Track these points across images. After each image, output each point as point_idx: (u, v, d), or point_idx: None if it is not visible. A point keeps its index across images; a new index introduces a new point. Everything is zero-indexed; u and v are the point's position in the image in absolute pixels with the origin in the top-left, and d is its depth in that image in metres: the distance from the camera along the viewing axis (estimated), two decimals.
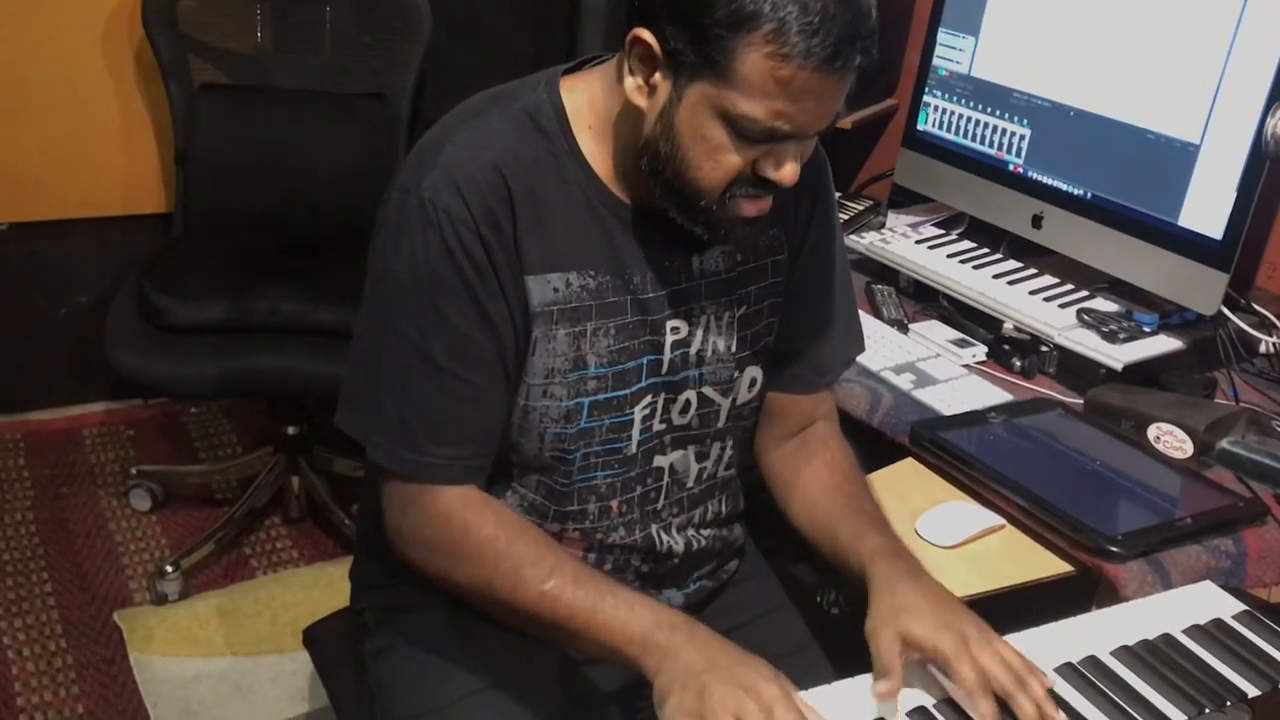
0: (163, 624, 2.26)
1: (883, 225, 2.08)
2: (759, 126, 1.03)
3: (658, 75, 1.06)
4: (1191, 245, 1.65)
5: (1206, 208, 1.63)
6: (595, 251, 1.15)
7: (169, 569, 2.32)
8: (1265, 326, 1.78)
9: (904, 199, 2.17)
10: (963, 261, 1.91)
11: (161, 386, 2.45)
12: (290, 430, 2.52)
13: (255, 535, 2.55)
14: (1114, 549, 1.30)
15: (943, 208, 2.09)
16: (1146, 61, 1.70)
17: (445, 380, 1.12)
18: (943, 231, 2.04)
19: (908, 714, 1.05)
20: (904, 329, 1.82)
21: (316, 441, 2.57)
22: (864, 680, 1.08)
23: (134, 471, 2.63)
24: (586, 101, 1.15)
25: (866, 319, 1.61)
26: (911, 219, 2.09)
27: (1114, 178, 1.75)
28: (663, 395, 1.22)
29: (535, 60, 2.50)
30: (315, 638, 1.48)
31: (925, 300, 1.91)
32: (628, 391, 1.19)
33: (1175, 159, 1.67)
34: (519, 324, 1.13)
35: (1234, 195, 1.60)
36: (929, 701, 1.06)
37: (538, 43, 2.81)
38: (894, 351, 1.73)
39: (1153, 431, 1.51)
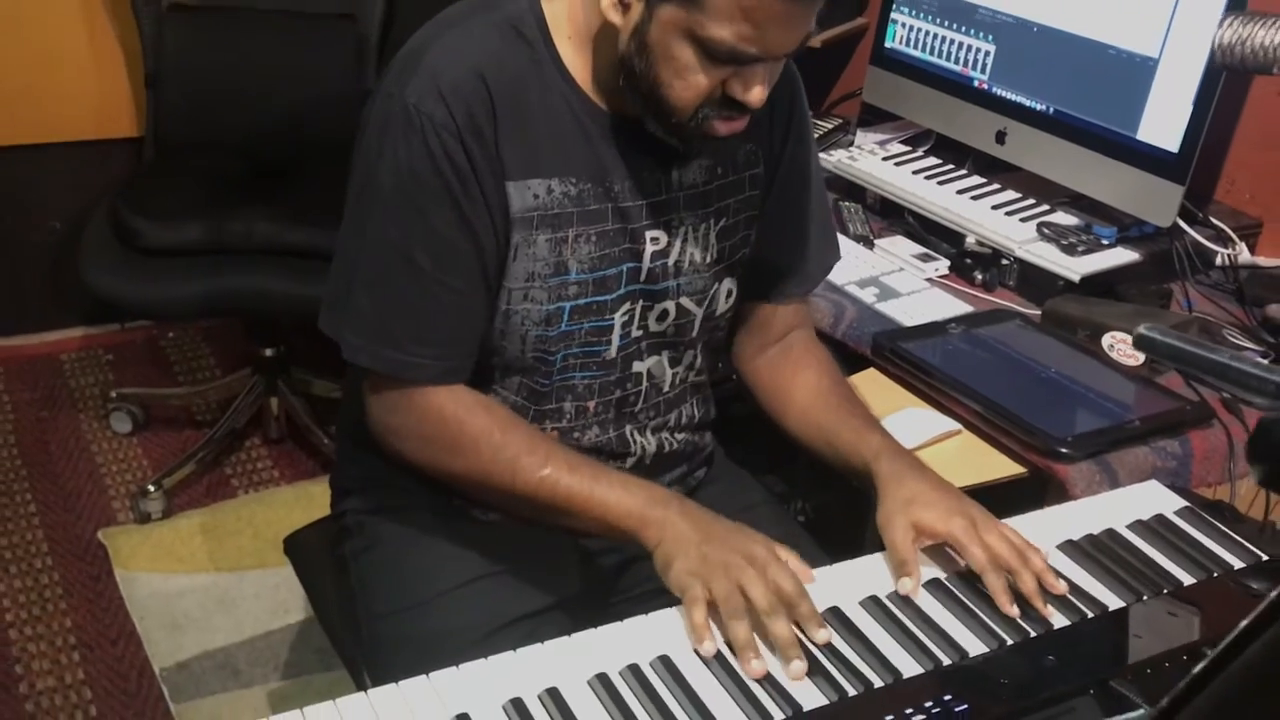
0: (146, 541, 2.31)
1: (851, 143, 2.10)
2: (726, 49, 1.05)
3: None
4: (1149, 158, 1.68)
5: (1164, 121, 1.66)
6: (577, 159, 1.18)
7: (151, 488, 2.36)
8: (1221, 239, 1.81)
9: (872, 117, 2.19)
10: (928, 178, 1.94)
11: (138, 308, 2.47)
12: (268, 352, 2.55)
13: (236, 455, 2.59)
14: (1064, 450, 1.35)
15: (910, 125, 2.11)
16: None
17: (426, 284, 1.15)
18: (909, 148, 2.07)
19: (885, 596, 1.10)
20: (870, 244, 1.85)
21: (294, 363, 2.60)
22: (853, 564, 1.16)
23: (114, 395, 2.66)
24: (565, 12, 1.17)
25: None
26: (879, 136, 2.11)
27: (1075, 93, 1.78)
28: (641, 303, 1.25)
29: None
30: (296, 545, 1.52)
31: (891, 216, 1.94)
32: (608, 297, 1.22)
33: (1135, 73, 1.69)
34: (499, 231, 1.16)
35: (1190, 109, 1.63)
36: (882, 592, 1.11)
37: None
38: (859, 266, 1.76)
39: (1106, 340, 1.55)
